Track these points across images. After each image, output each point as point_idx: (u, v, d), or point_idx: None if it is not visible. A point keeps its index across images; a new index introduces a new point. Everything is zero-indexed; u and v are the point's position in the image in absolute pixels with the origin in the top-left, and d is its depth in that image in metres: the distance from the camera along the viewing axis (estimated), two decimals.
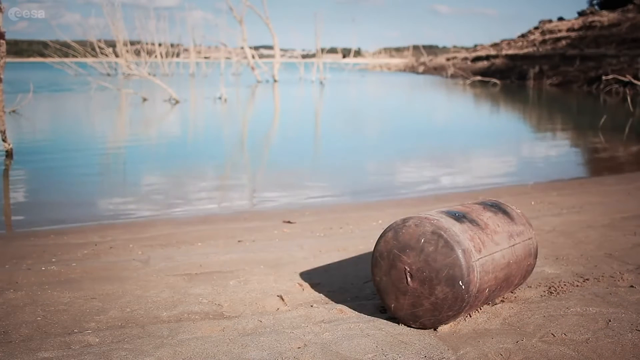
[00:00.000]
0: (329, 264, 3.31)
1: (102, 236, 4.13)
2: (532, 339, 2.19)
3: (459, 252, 2.18)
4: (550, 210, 4.73)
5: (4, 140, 7.58)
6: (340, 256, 3.47)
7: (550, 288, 2.74)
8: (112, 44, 31.24)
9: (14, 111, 12.91)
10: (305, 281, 2.99)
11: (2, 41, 7.08)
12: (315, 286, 2.91)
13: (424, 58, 53.05)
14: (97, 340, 2.23)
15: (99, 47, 29.27)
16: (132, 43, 37.13)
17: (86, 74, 26.30)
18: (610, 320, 2.32)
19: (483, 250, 2.27)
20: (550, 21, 39.94)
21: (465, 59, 42.29)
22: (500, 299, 2.60)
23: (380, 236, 2.38)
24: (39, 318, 2.49)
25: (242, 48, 35.78)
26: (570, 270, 3.05)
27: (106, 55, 28.90)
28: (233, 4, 36.42)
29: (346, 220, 4.56)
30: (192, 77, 38.37)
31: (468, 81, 31.92)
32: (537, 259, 2.88)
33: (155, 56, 39.66)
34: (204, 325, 2.38)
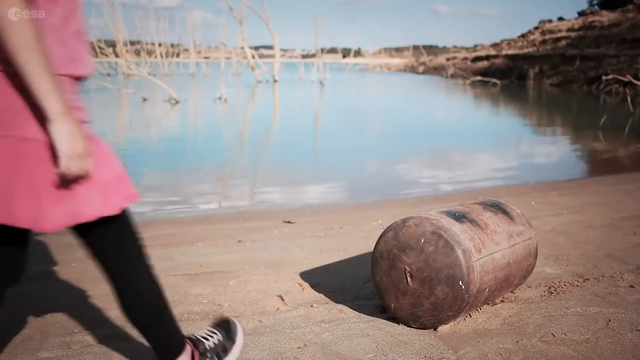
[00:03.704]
0: (329, 264, 3.30)
1: None
2: (532, 339, 2.19)
3: (459, 252, 2.18)
4: (550, 210, 4.73)
5: None
6: (340, 256, 3.47)
7: (550, 288, 2.74)
8: (112, 44, 31.25)
9: None
10: (305, 281, 2.99)
11: None
12: (315, 286, 2.91)
13: (424, 58, 53.07)
14: (97, 340, 2.23)
15: (99, 47, 29.29)
16: (132, 43, 37.16)
17: None
18: (610, 320, 2.32)
19: (483, 250, 2.27)
20: (550, 21, 39.97)
21: (465, 59, 42.30)
22: (500, 299, 2.60)
23: (380, 236, 2.38)
24: (39, 318, 2.49)
25: (242, 48, 35.78)
26: (570, 270, 3.05)
27: (106, 55, 28.93)
28: (233, 4, 36.40)
29: (346, 220, 4.56)
30: (192, 77, 38.36)
31: (468, 81, 31.91)
32: (537, 259, 2.88)
33: (155, 56, 39.68)
34: (203, 325, 2.38)
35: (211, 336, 1.80)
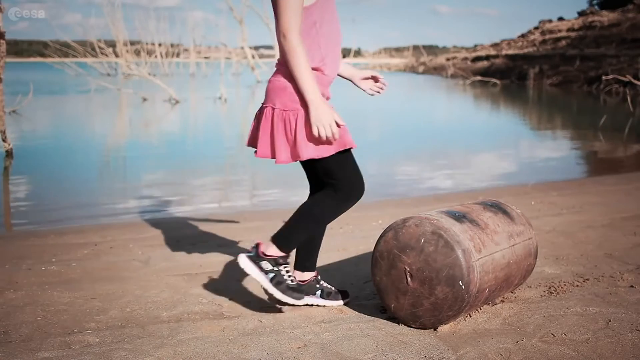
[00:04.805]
0: (329, 264, 3.30)
1: (102, 236, 4.14)
2: (532, 339, 2.19)
3: (459, 252, 2.18)
4: (550, 210, 4.73)
5: (4, 140, 7.58)
6: (340, 256, 3.48)
7: (550, 288, 2.74)
8: (112, 44, 31.25)
9: (14, 111, 12.90)
10: None
11: (2, 41, 7.08)
12: None
13: (424, 58, 53.02)
14: (97, 340, 2.24)
15: (99, 47, 29.32)
16: (132, 43, 37.07)
17: (86, 74, 26.25)
18: (610, 320, 2.32)
19: (483, 250, 2.27)
20: (550, 21, 39.93)
21: (465, 59, 42.24)
22: (500, 299, 2.61)
23: (380, 236, 2.38)
24: (39, 318, 2.49)
25: (242, 48, 35.77)
26: (570, 270, 3.06)
27: (106, 55, 28.93)
28: (233, 4, 36.26)
29: (346, 220, 4.55)
30: (192, 77, 38.35)
31: (468, 81, 31.89)
32: (537, 259, 2.88)
33: (155, 56, 39.63)
34: (204, 325, 2.38)
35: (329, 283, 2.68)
